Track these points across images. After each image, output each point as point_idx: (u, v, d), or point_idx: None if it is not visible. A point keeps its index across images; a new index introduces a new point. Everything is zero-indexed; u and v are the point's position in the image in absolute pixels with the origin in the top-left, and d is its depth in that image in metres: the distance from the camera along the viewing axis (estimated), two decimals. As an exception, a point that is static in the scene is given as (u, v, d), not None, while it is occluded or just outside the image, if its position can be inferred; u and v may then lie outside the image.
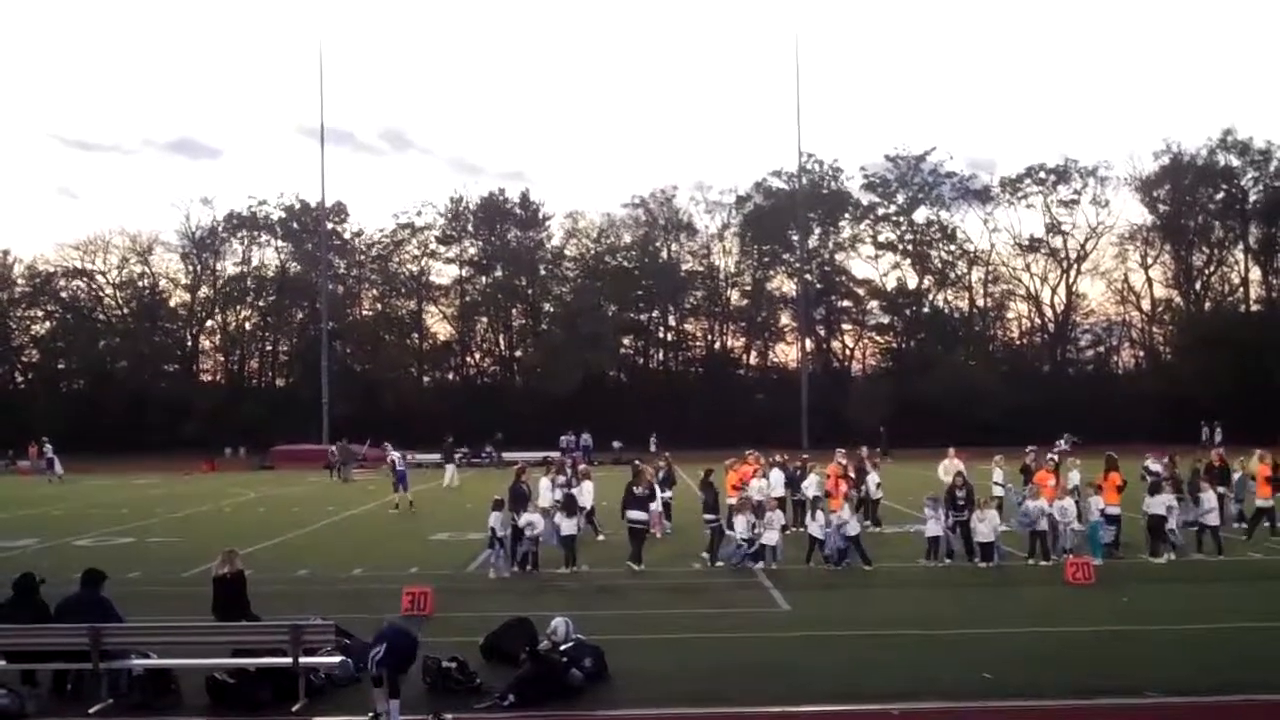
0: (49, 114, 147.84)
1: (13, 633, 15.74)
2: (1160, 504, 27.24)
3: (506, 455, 72.13)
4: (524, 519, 26.42)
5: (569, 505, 28.56)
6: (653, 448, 72.20)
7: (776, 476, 33.17)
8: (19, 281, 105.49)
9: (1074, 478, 31.31)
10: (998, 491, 31.44)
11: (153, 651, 15.87)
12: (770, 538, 26.75)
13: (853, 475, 32.79)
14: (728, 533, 27.65)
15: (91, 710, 15.21)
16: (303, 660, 15.27)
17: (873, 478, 34.02)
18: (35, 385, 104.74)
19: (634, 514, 27.81)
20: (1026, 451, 34.33)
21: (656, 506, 32.40)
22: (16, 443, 77.49)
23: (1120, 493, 28.46)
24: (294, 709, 15.07)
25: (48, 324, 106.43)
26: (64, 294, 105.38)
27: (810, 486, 31.23)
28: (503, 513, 26.32)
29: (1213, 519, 27.79)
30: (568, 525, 27.49)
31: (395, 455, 45.78)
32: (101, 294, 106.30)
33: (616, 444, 74.27)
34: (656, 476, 33.14)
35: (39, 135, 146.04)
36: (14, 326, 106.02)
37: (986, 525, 26.49)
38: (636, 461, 33.46)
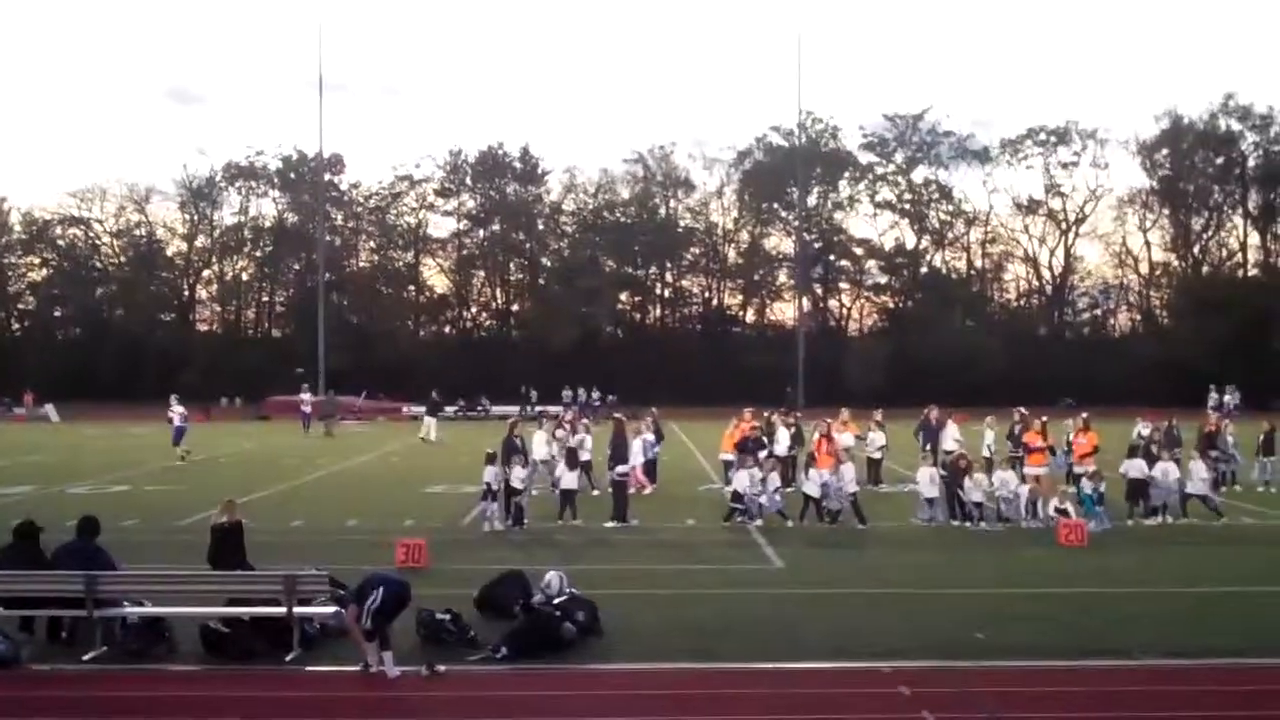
0: (46, 61, 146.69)
1: (9, 579, 15.77)
2: (1138, 467, 27.46)
3: (496, 409, 72.52)
4: (513, 474, 26.42)
5: (570, 459, 28.71)
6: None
7: (783, 435, 33.19)
8: (15, 228, 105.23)
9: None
10: (985, 453, 31.62)
11: (147, 600, 15.91)
12: (777, 499, 26.89)
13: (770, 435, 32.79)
14: (730, 489, 27.68)
15: (85, 657, 15.26)
16: (297, 610, 15.33)
17: (877, 437, 34.06)
18: (31, 332, 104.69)
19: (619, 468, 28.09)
20: (1015, 412, 34.13)
21: (637, 460, 32.55)
22: (11, 390, 77.56)
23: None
24: (288, 659, 15.12)
25: (44, 271, 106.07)
26: (60, 242, 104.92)
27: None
28: (496, 466, 26.41)
29: (1199, 486, 27.79)
30: (568, 479, 27.61)
31: (178, 410, 45.05)
32: (98, 242, 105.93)
33: (611, 398, 74.23)
34: (646, 432, 33.38)
35: (39, 82, 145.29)
36: (10, 273, 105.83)
37: (978, 487, 26.60)
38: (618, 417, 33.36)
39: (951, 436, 32.98)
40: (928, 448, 31.65)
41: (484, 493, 26.42)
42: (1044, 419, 32.40)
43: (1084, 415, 31.90)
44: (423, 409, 58.93)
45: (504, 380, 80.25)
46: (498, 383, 79.74)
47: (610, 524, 26.62)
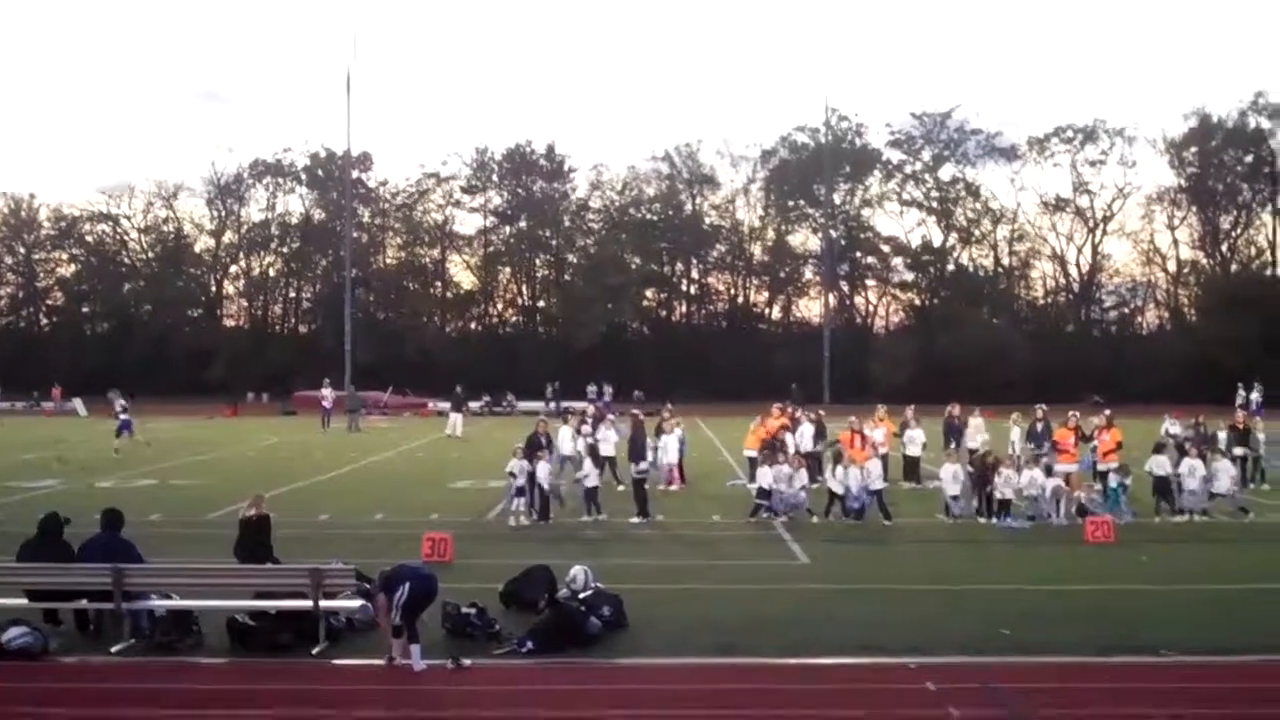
0: (73, 59, 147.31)
1: (36, 571, 15.89)
2: (1163, 464, 27.31)
3: (522, 405, 72.83)
4: (539, 469, 26.46)
5: (594, 455, 28.75)
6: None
7: (807, 430, 33.11)
8: (44, 224, 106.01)
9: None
10: (1012, 451, 31.43)
11: (174, 593, 15.97)
12: (802, 494, 26.80)
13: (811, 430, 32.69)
14: (755, 485, 27.63)
15: (113, 650, 15.33)
16: (323, 604, 15.38)
17: (917, 434, 33.68)
18: (60, 328, 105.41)
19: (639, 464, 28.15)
20: (1037, 409, 33.83)
21: (669, 458, 32.77)
22: (40, 384, 78.04)
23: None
24: (314, 651, 15.16)
25: (73, 267, 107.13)
26: (89, 238, 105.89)
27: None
28: (524, 461, 26.44)
29: (1224, 485, 27.57)
30: (593, 475, 27.58)
31: (121, 403, 45.17)
32: (126, 238, 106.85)
33: (638, 394, 73.98)
34: (678, 429, 33.54)
35: (67, 80, 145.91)
36: (39, 269, 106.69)
37: (1008, 484, 26.46)
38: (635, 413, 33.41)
39: (979, 434, 32.91)
40: (952, 445, 31.60)
41: (509, 487, 26.52)
42: (1075, 414, 32.00)
43: (1107, 412, 31.70)
44: (448, 405, 58.89)
45: (529, 376, 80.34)
46: (523, 379, 79.84)
47: (634, 520, 26.62)
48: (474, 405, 70.15)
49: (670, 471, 33.00)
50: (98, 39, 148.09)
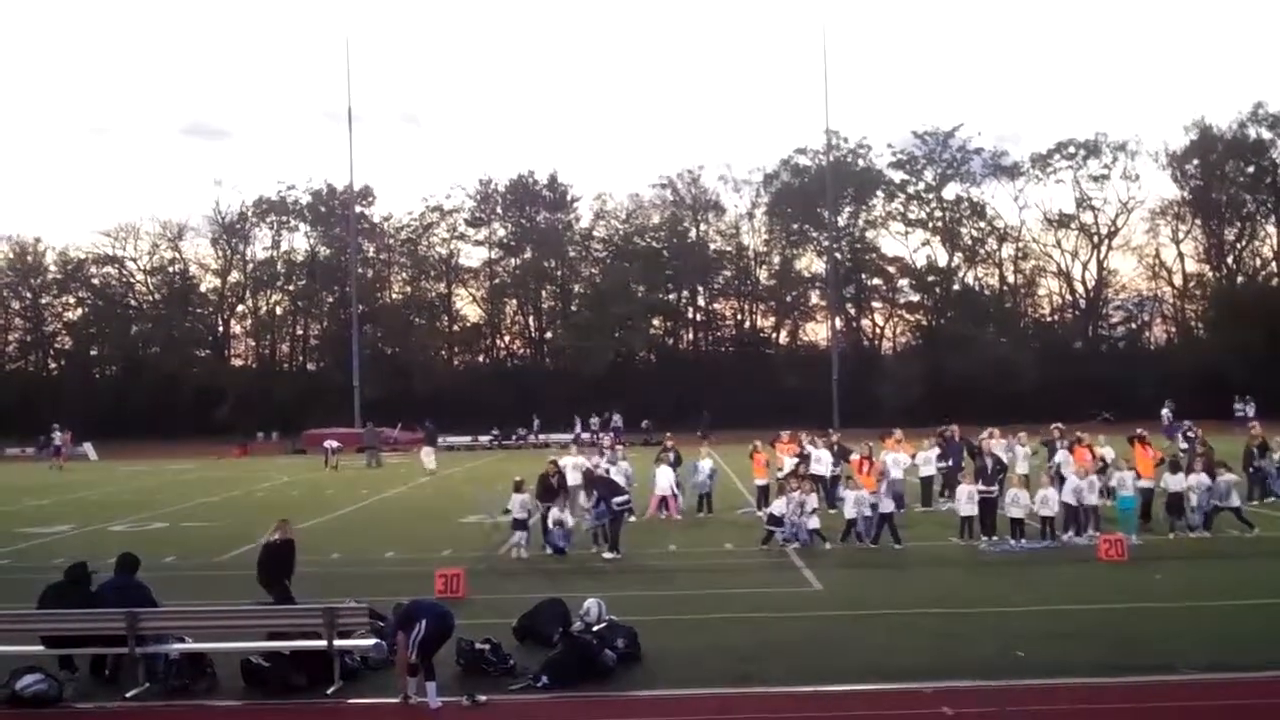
0: (76, 102, 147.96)
1: (51, 618, 15.87)
2: (1178, 482, 27.17)
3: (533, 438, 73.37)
4: (552, 515, 26.44)
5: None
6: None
7: (825, 456, 32.96)
8: (50, 268, 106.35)
9: (1108, 453, 31.06)
10: (1022, 469, 31.24)
11: (188, 636, 15.98)
12: (813, 521, 26.72)
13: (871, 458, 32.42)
14: (767, 512, 27.58)
15: (129, 694, 15.32)
16: (337, 643, 15.35)
17: (930, 455, 33.47)
18: (68, 372, 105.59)
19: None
20: (1052, 428, 33.71)
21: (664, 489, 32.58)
22: (50, 429, 78.08)
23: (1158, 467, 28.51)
24: (329, 691, 15.15)
25: (80, 310, 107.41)
26: (95, 280, 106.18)
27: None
28: (524, 495, 26.42)
29: (1232, 500, 27.50)
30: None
31: None
32: (132, 280, 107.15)
33: (645, 423, 74.05)
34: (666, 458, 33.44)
35: (71, 123, 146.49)
36: (46, 314, 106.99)
37: (1019, 505, 26.37)
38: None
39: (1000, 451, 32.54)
40: (948, 462, 31.48)
41: (513, 522, 26.47)
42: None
43: (1140, 431, 31.21)
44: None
45: (538, 409, 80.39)
46: (532, 411, 79.86)
47: (605, 554, 26.30)
48: (484, 439, 70.75)
49: (656, 503, 32.68)
50: (95, 78, 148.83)
